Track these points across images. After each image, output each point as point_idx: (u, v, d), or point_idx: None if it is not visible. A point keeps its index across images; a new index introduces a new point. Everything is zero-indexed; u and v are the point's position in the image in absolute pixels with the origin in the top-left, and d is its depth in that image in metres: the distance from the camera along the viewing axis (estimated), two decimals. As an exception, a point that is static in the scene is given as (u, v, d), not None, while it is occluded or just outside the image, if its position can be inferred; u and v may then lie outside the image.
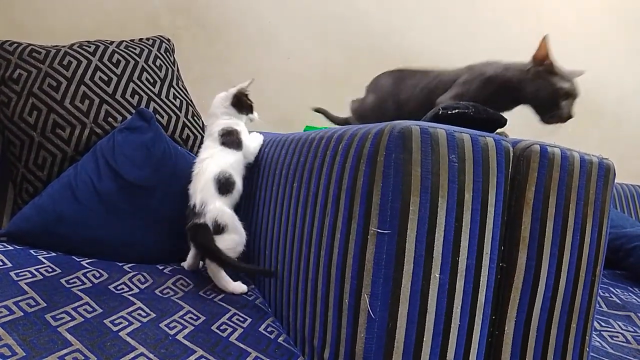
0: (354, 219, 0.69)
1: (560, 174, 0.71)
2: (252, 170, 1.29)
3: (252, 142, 1.24)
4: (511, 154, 0.70)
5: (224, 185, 1.08)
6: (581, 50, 2.53)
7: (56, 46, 1.32)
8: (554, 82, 0.99)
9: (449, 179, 0.65)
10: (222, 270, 1.03)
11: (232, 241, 1.05)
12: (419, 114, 1.02)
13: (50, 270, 0.93)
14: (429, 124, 0.65)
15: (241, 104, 1.23)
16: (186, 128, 1.40)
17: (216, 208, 1.04)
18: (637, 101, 2.72)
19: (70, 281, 0.91)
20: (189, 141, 1.40)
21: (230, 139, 1.17)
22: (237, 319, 0.90)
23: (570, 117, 1.00)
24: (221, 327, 0.85)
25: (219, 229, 1.03)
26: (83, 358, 0.66)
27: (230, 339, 0.81)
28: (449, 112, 0.79)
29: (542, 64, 1.01)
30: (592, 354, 1.02)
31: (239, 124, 1.22)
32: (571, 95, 1.00)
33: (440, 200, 0.64)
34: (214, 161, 1.12)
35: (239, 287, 1.04)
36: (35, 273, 0.91)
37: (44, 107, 1.23)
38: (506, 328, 0.72)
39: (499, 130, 0.88)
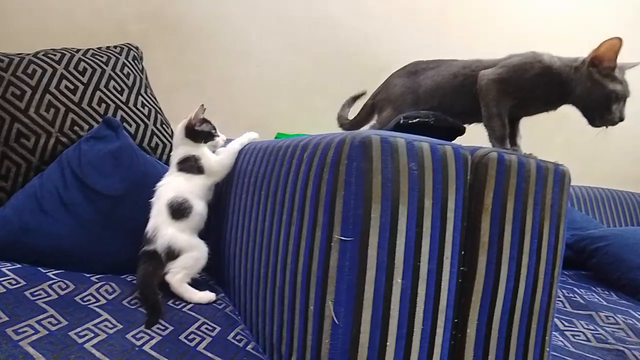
0: (318, 227, 0.70)
1: (517, 180, 0.74)
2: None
3: (216, 159, 1.21)
4: (469, 162, 0.72)
5: (177, 210, 1.09)
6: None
7: (20, 54, 1.30)
8: (607, 85, 0.90)
9: (409, 187, 0.66)
10: (184, 284, 1.04)
11: (190, 259, 1.06)
12: (454, 99, 1.00)
13: (14, 282, 0.92)
14: (389, 133, 0.67)
15: (195, 134, 1.19)
16: (155, 136, 1.40)
17: (168, 234, 1.06)
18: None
19: (35, 293, 0.90)
20: (157, 149, 1.39)
21: (188, 165, 1.16)
22: (205, 328, 0.90)
23: (622, 120, 0.93)
24: (189, 337, 0.85)
25: (173, 254, 1.04)
26: (46, 372, 0.66)
27: (197, 348, 0.81)
28: (410, 122, 0.81)
29: (601, 66, 0.92)
30: (554, 353, 1.05)
31: (198, 149, 1.19)
32: (624, 98, 0.92)
33: (400, 207, 0.66)
34: (169, 187, 1.13)
35: (205, 296, 1.04)
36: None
37: (7, 117, 1.21)
38: (468, 330, 0.74)
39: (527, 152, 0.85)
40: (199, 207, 1.13)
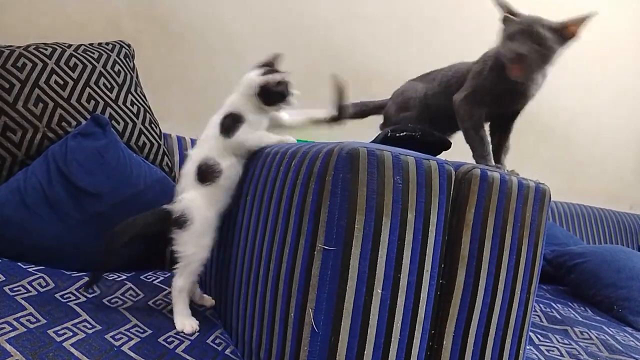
0: (302, 235, 0.71)
1: (499, 197, 0.75)
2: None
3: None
4: (453, 177, 0.74)
5: (204, 173, 0.99)
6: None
7: (10, 46, 1.29)
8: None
9: (393, 199, 0.67)
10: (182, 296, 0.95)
11: (193, 245, 0.96)
12: (439, 109, 1.01)
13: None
14: (376, 146, 0.68)
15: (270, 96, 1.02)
16: (142, 135, 1.39)
17: (188, 198, 0.97)
18: (586, 122, 2.85)
19: (15, 289, 0.89)
20: (145, 148, 1.39)
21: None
22: (183, 331, 0.90)
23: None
24: (168, 339, 0.85)
25: (182, 222, 0.95)
26: (23, 369, 0.66)
27: (176, 351, 0.81)
28: (397, 135, 0.82)
29: None
30: (529, 367, 1.07)
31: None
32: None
33: (384, 219, 0.67)
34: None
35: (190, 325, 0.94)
36: (-19, 278, 0.89)
37: (-6, 109, 1.20)
38: (444, 342, 0.75)
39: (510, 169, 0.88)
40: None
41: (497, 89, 0.96)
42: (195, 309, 1.03)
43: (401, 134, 0.83)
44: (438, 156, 0.81)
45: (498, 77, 0.96)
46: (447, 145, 0.89)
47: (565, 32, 0.94)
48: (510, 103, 1.01)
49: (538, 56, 0.93)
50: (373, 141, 0.90)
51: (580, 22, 0.93)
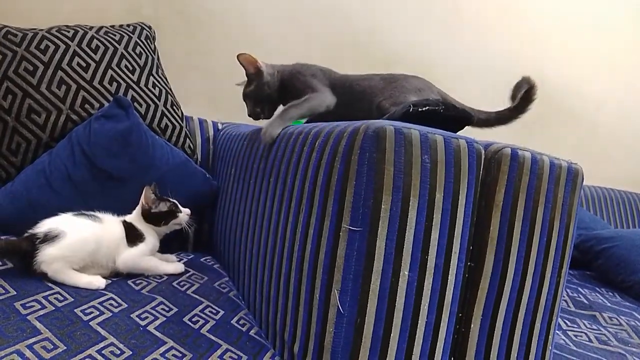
0: (327, 216, 0.70)
1: (530, 178, 0.73)
2: (230, 162, 1.29)
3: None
4: (482, 157, 0.72)
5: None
6: (561, 54, 2.58)
7: (33, 29, 1.30)
8: None
9: (421, 179, 0.66)
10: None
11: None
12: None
13: (21, 257, 0.92)
14: (403, 124, 0.66)
15: (153, 217, 1.10)
16: (165, 117, 1.39)
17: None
18: (614, 108, 2.78)
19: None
20: (167, 131, 1.39)
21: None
22: (209, 311, 0.90)
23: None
24: (193, 319, 0.85)
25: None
26: (52, 347, 0.66)
27: (201, 331, 0.81)
28: (420, 110, 0.80)
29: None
30: (556, 351, 1.05)
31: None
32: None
33: (411, 199, 0.65)
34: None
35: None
36: (6, 261, 0.90)
37: (19, 92, 1.21)
38: (472, 325, 0.74)
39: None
40: None
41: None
42: (219, 290, 1.03)
43: (423, 109, 0.80)
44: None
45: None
46: (471, 120, 0.86)
47: (253, 72, 1.15)
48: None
49: (255, 105, 1.17)
50: (390, 117, 0.87)
51: (246, 64, 1.15)
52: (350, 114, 1.08)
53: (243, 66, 1.15)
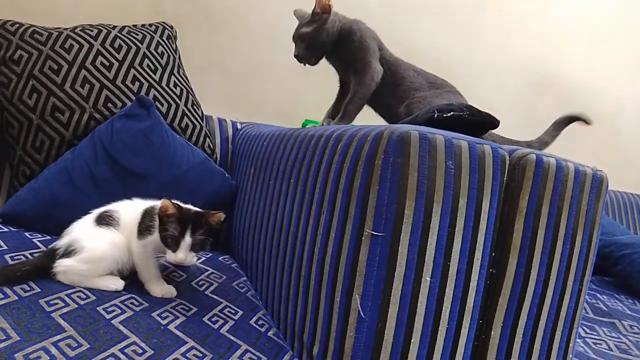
0: (349, 220, 0.70)
1: (554, 184, 0.72)
2: (249, 162, 1.30)
3: None
4: (507, 163, 0.71)
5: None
6: (583, 57, 2.54)
7: (58, 28, 1.32)
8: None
9: (445, 185, 0.65)
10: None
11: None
12: None
13: (45, 254, 0.94)
14: (427, 130, 0.66)
15: None
16: (185, 117, 1.40)
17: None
18: (635, 110, 2.73)
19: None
20: (187, 130, 1.40)
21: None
22: (228, 311, 0.91)
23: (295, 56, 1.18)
24: (212, 319, 0.86)
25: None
26: (76, 344, 0.67)
27: (221, 331, 0.82)
28: (444, 116, 0.80)
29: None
30: (575, 359, 1.03)
31: None
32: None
33: (435, 205, 0.65)
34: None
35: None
36: (29, 257, 0.91)
37: (43, 90, 1.23)
38: (492, 332, 0.73)
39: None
40: None
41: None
42: (237, 290, 1.03)
43: (448, 115, 0.80)
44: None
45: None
46: (494, 124, 0.86)
47: (321, 13, 1.14)
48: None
49: (307, 48, 1.16)
50: (413, 121, 0.87)
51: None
52: (382, 93, 1.16)
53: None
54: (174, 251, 0.87)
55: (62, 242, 0.89)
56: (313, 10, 1.15)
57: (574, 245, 0.75)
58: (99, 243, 0.90)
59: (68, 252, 0.87)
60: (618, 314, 1.42)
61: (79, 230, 0.92)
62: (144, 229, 0.93)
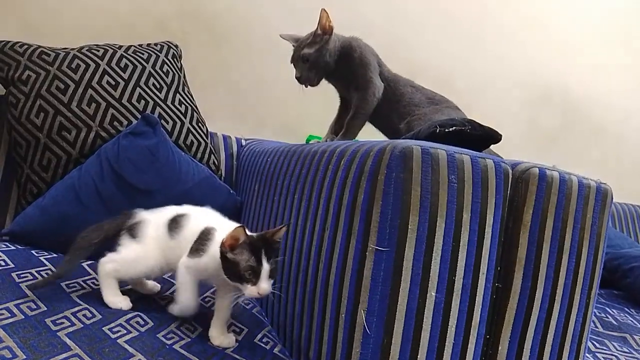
0: (353, 235, 0.70)
1: (558, 198, 0.72)
2: (253, 178, 1.30)
3: None
4: (510, 176, 0.71)
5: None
6: (587, 67, 2.54)
7: (65, 49, 1.34)
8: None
9: (448, 199, 0.66)
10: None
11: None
12: None
13: (51, 273, 0.94)
14: (430, 144, 0.67)
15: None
16: (190, 134, 1.41)
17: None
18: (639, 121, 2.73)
19: (70, 285, 0.92)
20: (192, 147, 1.41)
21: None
22: (233, 330, 0.90)
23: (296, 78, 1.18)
24: (218, 339, 0.85)
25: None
26: (81, 363, 0.67)
27: (226, 351, 0.82)
28: (446, 130, 0.80)
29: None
30: (585, 374, 1.02)
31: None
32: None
33: (438, 219, 0.65)
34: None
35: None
36: (37, 275, 0.92)
37: (51, 109, 1.24)
38: (500, 348, 0.72)
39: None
40: None
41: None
42: (243, 307, 1.03)
43: (450, 129, 0.80)
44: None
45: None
46: (497, 139, 0.86)
47: (322, 34, 1.16)
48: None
49: (310, 69, 1.16)
50: (415, 136, 0.87)
51: (322, 17, 1.15)
52: (382, 109, 1.18)
53: (320, 21, 1.15)
54: (255, 284, 0.78)
55: (131, 222, 0.92)
56: (315, 32, 1.16)
57: (580, 259, 0.74)
58: (140, 252, 0.90)
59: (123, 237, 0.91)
60: (629, 328, 1.40)
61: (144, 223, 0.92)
62: (197, 248, 0.86)
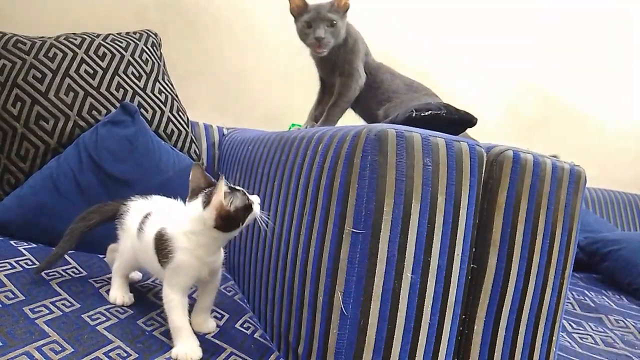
0: (330, 219, 0.71)
1: (532, 180, 0.73)
2: (235, 167, 1.30)
3: None
4: (484, 159, 0.72)
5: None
6: (567, 58, 2.57)
7: (42, 37, 1.32)
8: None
9: (423, 182, 0.66)
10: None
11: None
12: None
13: (30, 262, 0.94)
14: (404, 128, 0.67)
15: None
16: (170, 123, 1.41)
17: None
18: (620, 109, 2.77)
19: (50, 274, 0.91)
20: (173, 136, 1.40)
21: None
22: (214, 316, 0.91)
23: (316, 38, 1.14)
24: (198, 324, 0.86)
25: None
26: (60, 349, 0.67)
27: (206, 336, 0.82)
28: (422, 115, 0.81)
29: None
30: (561, 353, 1.05)
31: None
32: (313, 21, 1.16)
33: (414, 202, 0.66)
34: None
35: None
36: (15, 265, 0.91)
37: (27, 99, 1.22)
38: (475, 327, 0.74)
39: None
40: None
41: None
42: (225, 293, 1.04)
43: (426, 114, 0.81)
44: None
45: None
46: (472, 122, 0.87)
47: (340, 7, 1.15)
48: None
49: (332, 34, 1.14)
50: (393, 121, 0.88)
51: None
52: (362, 95, 1.20)
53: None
54: (252, 203, 0.79)
55: (129, 204, 0.93)
56: (334, 2, 1.14)
57: (554, 240, 0.76)
58: (126, 242, 0.92)
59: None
60: (605, 309, 1.43)
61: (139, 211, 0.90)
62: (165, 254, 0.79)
